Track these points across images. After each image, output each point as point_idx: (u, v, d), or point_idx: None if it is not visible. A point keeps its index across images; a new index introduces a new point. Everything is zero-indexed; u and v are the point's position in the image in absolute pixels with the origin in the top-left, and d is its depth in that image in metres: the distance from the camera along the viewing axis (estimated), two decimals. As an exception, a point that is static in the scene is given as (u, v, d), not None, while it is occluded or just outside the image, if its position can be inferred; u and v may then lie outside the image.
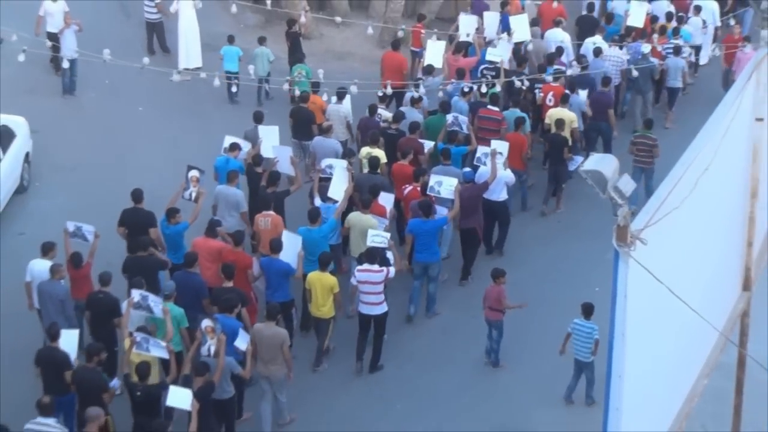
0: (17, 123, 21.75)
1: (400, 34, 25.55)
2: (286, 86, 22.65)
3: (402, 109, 21.63)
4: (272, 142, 20.31)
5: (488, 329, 17.43)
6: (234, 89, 22.63)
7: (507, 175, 19.80)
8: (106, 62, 19.27)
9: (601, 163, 9.60)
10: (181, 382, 14.73)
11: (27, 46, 19.69)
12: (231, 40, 24.51)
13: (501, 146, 19.91)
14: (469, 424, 16.47)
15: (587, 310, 16.20)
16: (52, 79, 22.76)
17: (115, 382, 15.28)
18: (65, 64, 22.97)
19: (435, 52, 23.58)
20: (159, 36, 26.82)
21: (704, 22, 25.36)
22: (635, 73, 23.21)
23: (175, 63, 25.03)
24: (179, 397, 14.06)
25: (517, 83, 21.51)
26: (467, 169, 19.71)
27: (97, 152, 20.65)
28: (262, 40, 24.42)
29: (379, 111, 21.26)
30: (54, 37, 23.33)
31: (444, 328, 18.74)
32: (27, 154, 21.72)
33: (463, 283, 19.37)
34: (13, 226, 19.39)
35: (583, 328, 16.22)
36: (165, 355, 15.01)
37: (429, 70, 23.29)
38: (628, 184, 9.66)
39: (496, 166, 19.31)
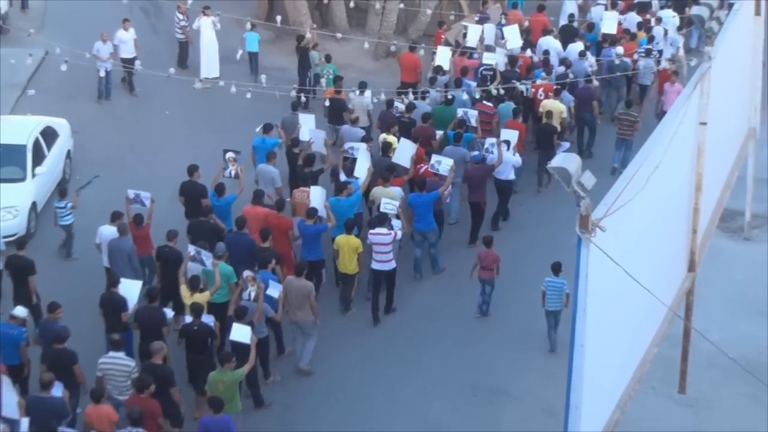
0: (60, 124, 21.83)
1: (393, 48, 25.58)
2: (323, 81, 23.75)
3: (413, 101, 21.81)
4: (309, 126, 20.88)
5: (482, 286, 17.88)
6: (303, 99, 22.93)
7: (515, 159, 20.48)
8: (138, 72, 19.27)
9: (566, 161, 9.62)
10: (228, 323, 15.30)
11: (68, 58, 19.65)
12: (252, 27, 25.53)
13: (511, 135, 20.64)
14: (464, 360, 16.86)
15: (556, 268, 16.70)
16: (90, 87, 22.69)
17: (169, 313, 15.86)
18: (102, 74, 23.00)
19: (443, 56, 24.13)
20: (182, 54, 26.90)
21: (666, 31, 25.53)
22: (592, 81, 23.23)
23: (197, 73, 25.03)
24: (241, 332, 14.61)
25: (521, 87, 22.03)
26: (475, 152, 20.00)
27: (128, 150, 20.68)
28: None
29: (396, 104, 21.82)
30: (128, 62, 23.57)
31: (447, 283, 19.13)
32: (68, 152, 21.78)
33: (471, 246, 19.59)
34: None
35: (554, 283, 16.69)
36: (209, 266, 15.90)
37: (438, 70, 23.82)
38: (589, 180, 9.69)
39: (502, 152, 19.90)
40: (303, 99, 23.39)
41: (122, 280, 15.84)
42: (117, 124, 21.59)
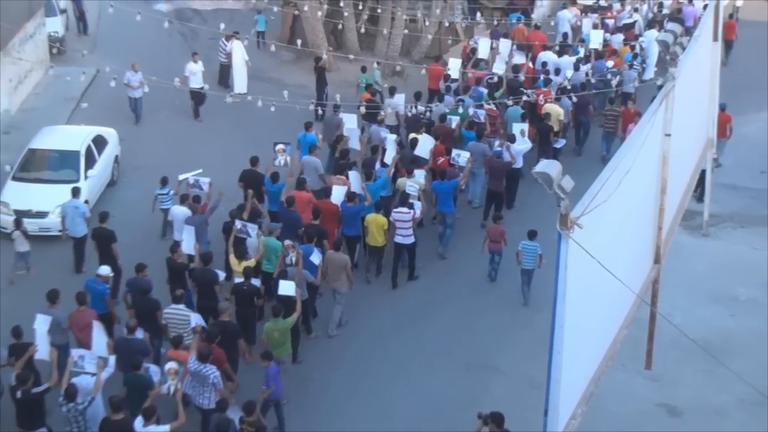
0: (109, 133, 21.85)
1: (398, 68, 25.57)
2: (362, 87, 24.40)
3: (431, 105, 22.73)
4: (352, 125, 21.38)
5: (491, 256, 18.48)
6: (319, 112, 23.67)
7: (524, 148, 20.95)
8: (176, 88, 19.29)
9: (548, 167, 9.62)
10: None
11: (116, 76, 19.67)
12: (260, 10, 27.75)
13: (521, 127, 21.24)
14: (459, 338, 16.83)
15: (531, 234, 17.51)
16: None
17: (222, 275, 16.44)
18: (134, 96, 23.01)
19: (454, 66, 24.59)
20: (223, 74, 26.97)
21: (640, 47, 26.41)
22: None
23: (229, 89, 25.02)
24: (286, 287, 15.23)
25: (526, 95, 22.76)
26: (498, 149, 20.50)
27: (168, 155, 20.70)
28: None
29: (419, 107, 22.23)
30: (196, 95, 23.86)
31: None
32: (116, 157, 21.80)
33: (485, 223, 19.91)
34: (106, 209, 19.34)
35: (529, 246, 17.49)
36: (254, 237, 16.69)
37: (447, 78, 24.49)
38: (568, 183, 9.69)
39: (512, 152, 20.44)
40: (320, 112, 23.49)
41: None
42: (158, 132, 21.62)
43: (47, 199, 19.45)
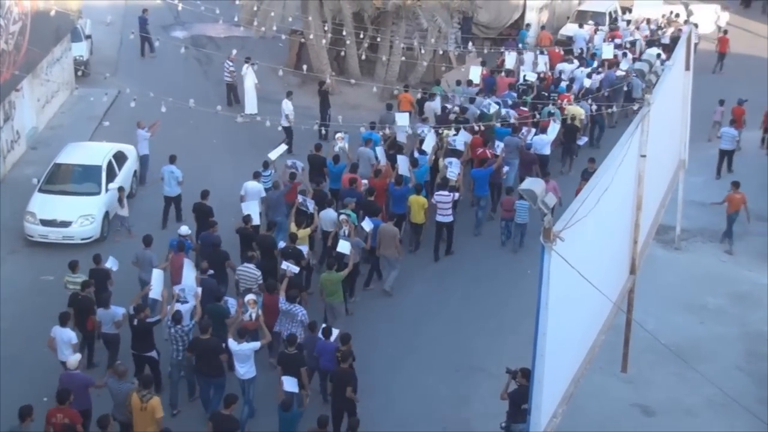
0: (129, 149, 21.93)
1: (395, 92, 25.62)
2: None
3: (465, 105, 23.87)
4: (404, 123, 22.11)
5: (505, 223, 20.00)
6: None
7: (549, 138, 22.19)
8: (191, 108, 19.30)
9: (533, 184, 9.72)
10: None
11: (136, 97, 19.67)
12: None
13: (552, 129, 22.40)
14: (451, 342, 16.74)
15: (521, 195, 17.99)
16: (152, 120, 22.67)
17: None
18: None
19: (475, 72, 25.98)
20: (234, 92, 27.07)
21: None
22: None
23: (239, 110, 25.02)
24: (343, 246, 16.57)
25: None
26: (528, 141, 21.96)
27: (183, 169, 20.62)
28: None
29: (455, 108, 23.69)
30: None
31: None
32: (135, 171, 21.84)
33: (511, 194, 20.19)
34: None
35: (523, 204, 18.75)
36: (311, 210, 18.03)
37: (469, 83, 25.64)
38: (551, 200, 9.74)
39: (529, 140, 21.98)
40: (323, 131, 23.52)
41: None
42: (174, 149, 21.56)
43: (71, 210, 19.47)
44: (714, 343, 17.13)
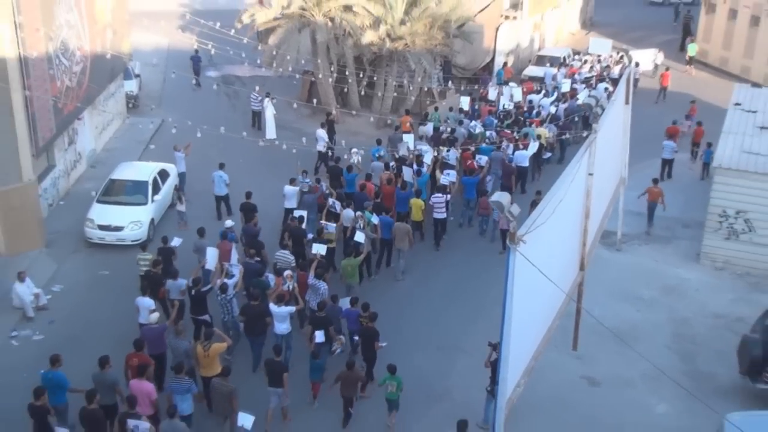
0: (170, 168, 21.86)
1: (389, 121, 25.65)
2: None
3: (455, 127, 24.39)
4: (410, 141, 22.21)
5: (482, 219, 20.40)
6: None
7: (528, 153, 22.50)
8: (221, 134, 19.32)
9: (501, 197, 9.78)
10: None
11: (176, 125, 19.69)
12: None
13: (533, 146, 22.80)
14: (434, 324, 16.55)
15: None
16: (186, 143, 22.69)
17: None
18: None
19: (464, 102, 26.34)
20: (258, 118, 26.98)
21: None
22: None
23: (261, 135, 25.02)
24: (359, 236, 17.16)
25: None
26: (510, 155, 22.22)
27: (212, 187, 20.76)
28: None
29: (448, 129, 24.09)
30: (324, 154, 23.67)
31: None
32: (175, 186, 21.69)
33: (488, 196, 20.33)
34: (168, 225, 19.39)
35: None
36: (338, 209, 18.54)
37: (461, 110, 26.09)
38: (516, 209, 9.78)
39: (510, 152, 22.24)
40: (330, 153, 23.50)
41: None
42: (208, 166, 21.59)
43: (123, 217, 19.46)
44: (647, 327, 17.18)
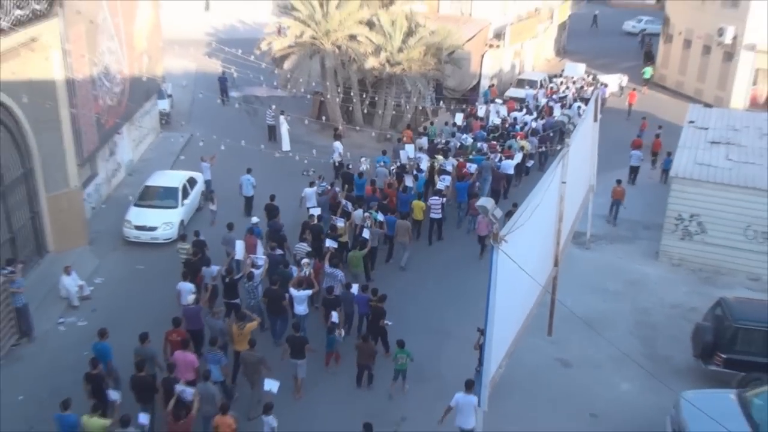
0: (198, 176, 21.80)
1: (388, 136, 25.67)
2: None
3: (449, 139, 24.68)
4: (411, 152, 22.21)
5: (471, 217, 20.02)
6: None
7: (513, 162, 22.69)
8: (242, 146, 19.36)
9: (486, 201, 9.80)
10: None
11: (204, 139, 19.68)
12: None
13: (517, 157, 22.95)
14: (425, 311, 16.47)
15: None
16: (212, 154, 22.67)
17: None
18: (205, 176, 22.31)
19: (458, 117, 26.80)
20: (274, 132, 26.86)
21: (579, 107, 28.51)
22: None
23: (277, 147, 25.01)
24: (366, 233, 17.28)
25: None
26: (498, 164, 22.37)
27: (235, 187, 20.73)
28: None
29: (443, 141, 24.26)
30: (339, 166, 23.50)
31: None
32: (202, 191, 21.68)
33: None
34: (195, 226, 19.38)
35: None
36: (350, 209, 18.50)
37: (454, 124, 26.33)
38: (499, 213, 9.83)
39: (497, 163, 22.36)
40: (337, 163, 23.51)
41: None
42: (230, 174, 21.62)
43: (156, 219, 19.48)
44: (613, 316, 17.19)
